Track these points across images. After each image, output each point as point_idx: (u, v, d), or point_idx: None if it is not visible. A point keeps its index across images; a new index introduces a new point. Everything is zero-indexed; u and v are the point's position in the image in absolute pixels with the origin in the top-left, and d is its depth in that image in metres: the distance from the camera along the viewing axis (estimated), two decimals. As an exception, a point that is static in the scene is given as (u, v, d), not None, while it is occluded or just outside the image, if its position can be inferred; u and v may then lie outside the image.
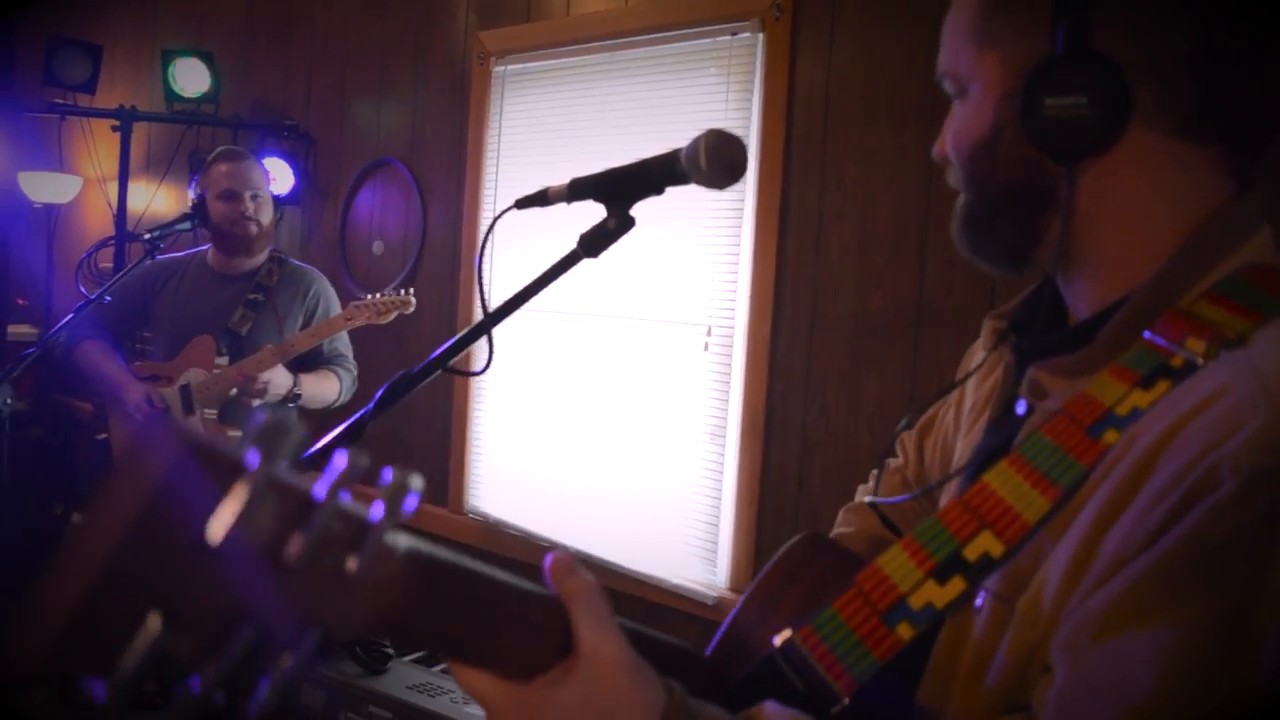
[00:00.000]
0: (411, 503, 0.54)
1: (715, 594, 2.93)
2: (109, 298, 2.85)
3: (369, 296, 2.84)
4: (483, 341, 1.18)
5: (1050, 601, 0.74)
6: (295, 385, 2.87)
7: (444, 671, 2.22)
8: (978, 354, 1.10)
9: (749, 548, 2.93)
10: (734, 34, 2.96)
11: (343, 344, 3.09)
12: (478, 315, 3.61)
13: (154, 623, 0.48)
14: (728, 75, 2.99)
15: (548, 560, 0.71)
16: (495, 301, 1.07)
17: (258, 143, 4.26)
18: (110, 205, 4.65)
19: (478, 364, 1.30)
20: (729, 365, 2.98)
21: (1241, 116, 0.81)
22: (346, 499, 0.53)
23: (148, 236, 2.92)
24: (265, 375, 2.77)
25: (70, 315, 2.80)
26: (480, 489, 3.65)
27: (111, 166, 4.63)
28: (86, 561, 0.46)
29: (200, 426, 2.89)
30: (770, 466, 2.91)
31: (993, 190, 0.88)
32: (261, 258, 3.06)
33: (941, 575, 0.80)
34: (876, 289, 2.73)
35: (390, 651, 2.23)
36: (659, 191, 1.06)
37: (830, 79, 2.81)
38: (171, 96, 4.37)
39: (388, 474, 0.54)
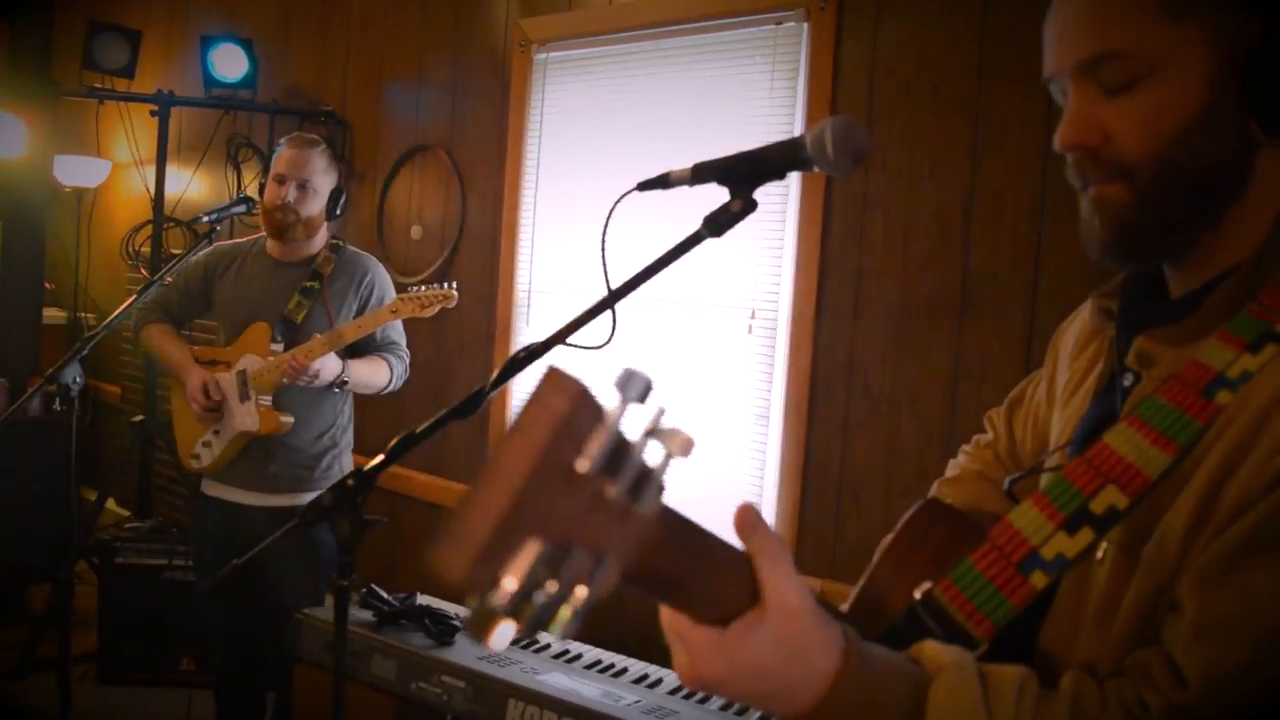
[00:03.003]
0: (689, 455, 0.60)
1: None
2: (169, 280, 2.90)
3: (414, 290, 2.89)
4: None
5: (1177, 546, 0.82)
6: (344, 371, 2.92)
7: (511, 643, 2.28)
8: (1070, 331, 1.16)
9: (792, 527, 2.99)
10: (779, 23, 3.01)
11: (396, 332, 3.14)
12: (520, 298, 3.67)
13: (534, 546, 0.54)
14: (772, 64, 3.04)
15: (735, 514, 0.76)
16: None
17: (294, 129, 4.31)
18: (148, 189, 4.70)
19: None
20: (773, 348, 3.04)
21: None
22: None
23: (206, 219, 2.96)
24: (316, 364, 2.82)
25: (133, 298, 2.85)
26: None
27: (149, 151, 4.68)
28: (502, 485, 0.52)
29: (254, 413, 2.95)
30: (813, 448, 2.97)
31: (1199, 172, 0.87)
32: (319, 244, 3.10)
33: (1071, 527, 0.86)
34: (920, 274, 2.79)
35: (458, 624, 2.29)
36: (781, 176, 1.11)
37: (875, 67, 2.85)
38: (210, 82, 4.42)
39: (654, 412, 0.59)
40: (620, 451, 0.57)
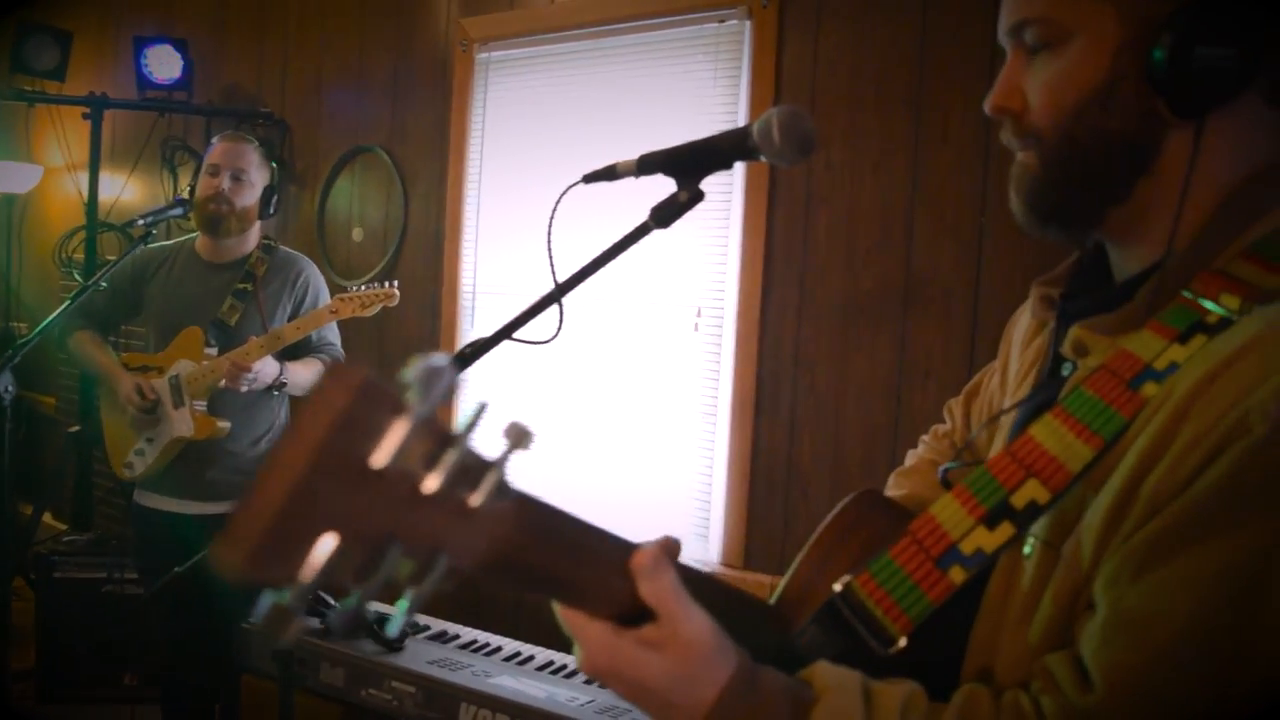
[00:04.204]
0: (529, 447, 0.61)
1: (708, 570, 2.99)
2: (103, 285, 2.83)
3: (354, 289, 2.85)
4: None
5: (1094, 544, 0.80)
6: (281, 374, 2.88)
7: (461, 648, 2.26)
8: (1022, 319, 1.15)
9: (740, 524, 3.00)
10: (721, 21, 3.02)
11: (332, 333, 3.10)
12: (464, 298, 3.64)
13: (328, 541, 0.53)
14: (715, 62, 3.05)
15: (633, 560, 0.77)
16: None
17: (231, 131, 4.23)
18: (81, 194, 4.60)
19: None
20: (719, 346, 3.05)
21: None
22: (473, 441, 0.59)
23: (141, 222, 2.90)
24: (255, 367, 2.78)
25: (67, 303, 2.78)
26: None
27: (81, 155, 4.57)
28: (279, 483, 0.52)
29: (190, 419, 2.89)
30: (760, 444, 2.98)
31: (1095, 145, 0.87)
32: (251, 244, 3.06)
33: (991, 521, 0.85)
34: (864, 270, 2.81)
35: (405, 630, 2.26)
36: (727, 166, 1.10)
37: (817, 65, 2.87)
38: (144, 84, 4.32)
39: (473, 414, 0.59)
40: (440, 446, 0.57)
